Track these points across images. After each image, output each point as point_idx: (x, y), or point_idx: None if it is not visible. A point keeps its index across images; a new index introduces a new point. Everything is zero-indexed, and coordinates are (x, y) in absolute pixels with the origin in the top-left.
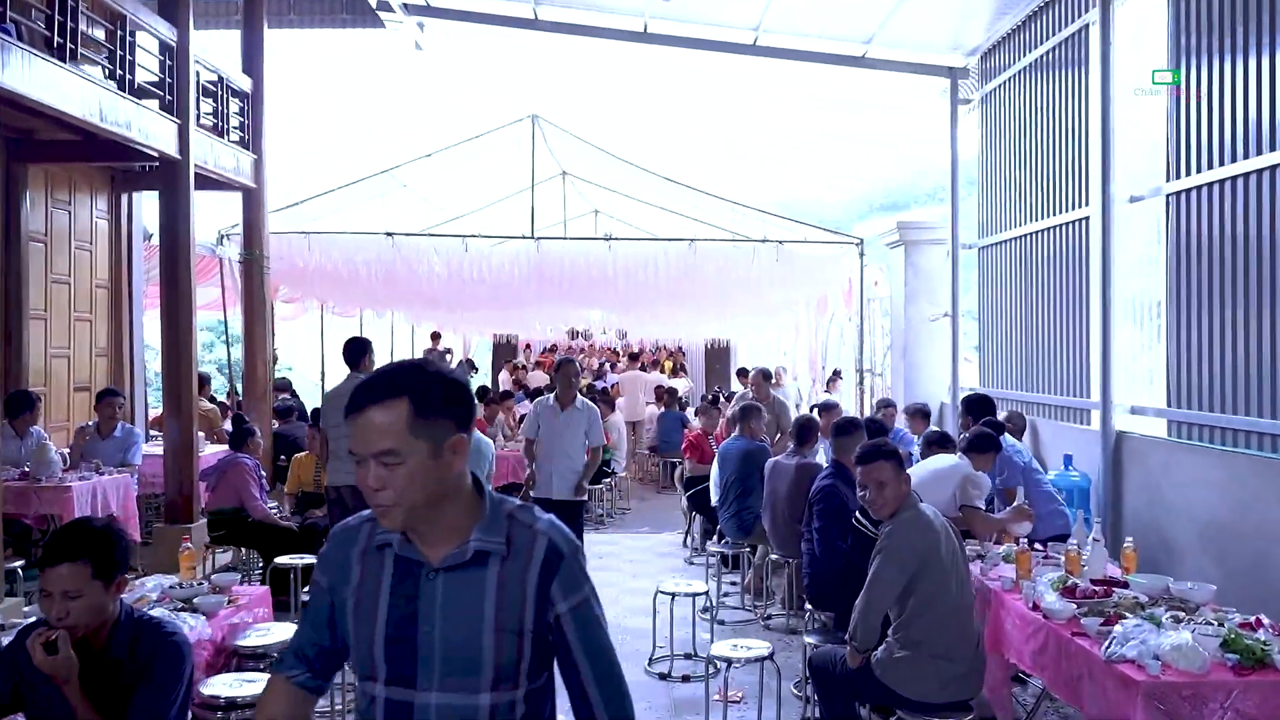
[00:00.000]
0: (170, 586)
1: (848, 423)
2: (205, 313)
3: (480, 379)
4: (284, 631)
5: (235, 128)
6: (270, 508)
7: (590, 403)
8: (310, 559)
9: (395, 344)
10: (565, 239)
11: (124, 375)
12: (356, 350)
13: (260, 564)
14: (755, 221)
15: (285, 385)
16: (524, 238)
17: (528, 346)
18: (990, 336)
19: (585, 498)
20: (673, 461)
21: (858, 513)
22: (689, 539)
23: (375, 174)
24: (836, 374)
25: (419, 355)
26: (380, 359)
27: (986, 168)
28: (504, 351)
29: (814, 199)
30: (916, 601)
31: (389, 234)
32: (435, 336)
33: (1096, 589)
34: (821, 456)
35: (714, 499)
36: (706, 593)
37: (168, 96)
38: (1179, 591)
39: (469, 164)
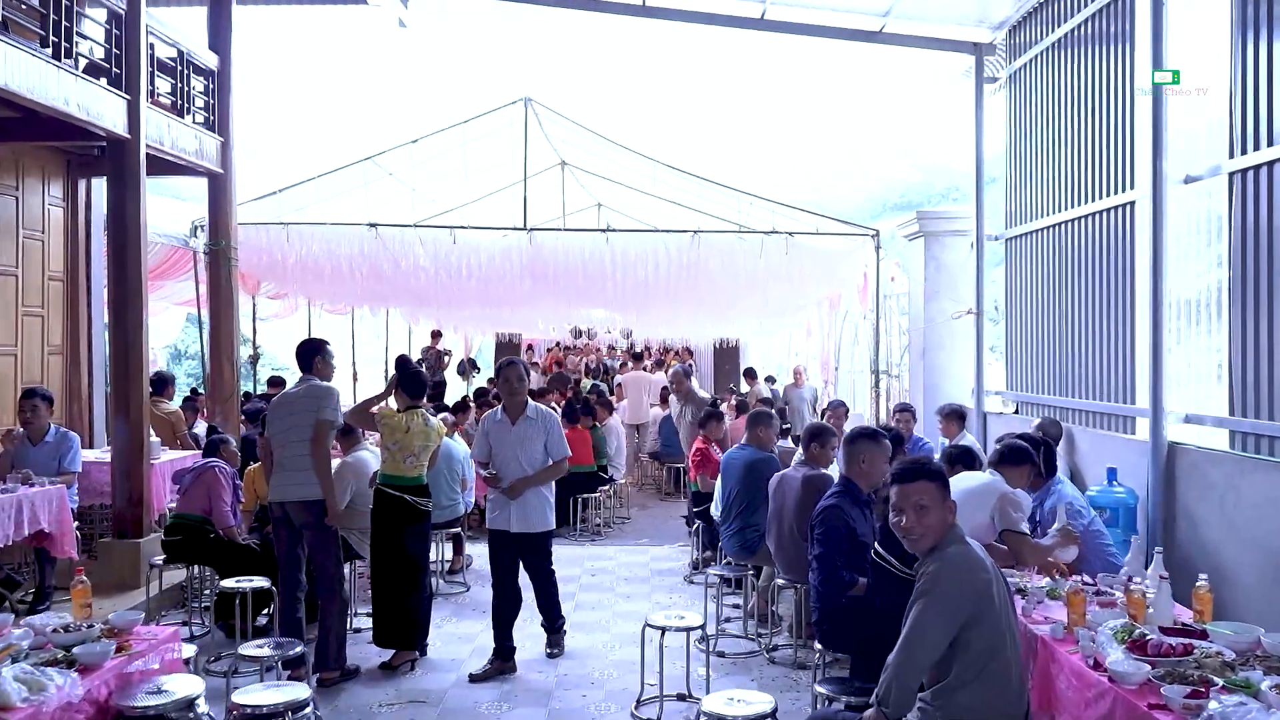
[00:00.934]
0: (55, 630)
1: (864, 432)
2: (184, 309)
3: (481, 380)
4: (187, 685)
5: (200, 109)
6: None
7: (546, 409)
8: (263, 582)
9: (391, 342)
10: (561, 230)
11: (80, 375)
12: (308, 352)
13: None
14: (764, 213)
15: (280, 382)
16: (516, 229)
17: (529, 347)
18: (1018, 335)
19: (553, 526)
20: (676, 467)
21: (878, 544)
22: (695, 554)
23: (357, 161)
24: (769, 379)
25: (416, 355)
26: (376, 358)
27: (1014, 152)
28: (507, 352)
29: (830, 196)
30: (966, 661)
31: (372, 225)
32: (435, 335)
33: (1171, 643)
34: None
35: (715, 512)
36: (702, 626)
37: (115, 70)
38: (1274, 646)
39: (458, 151)
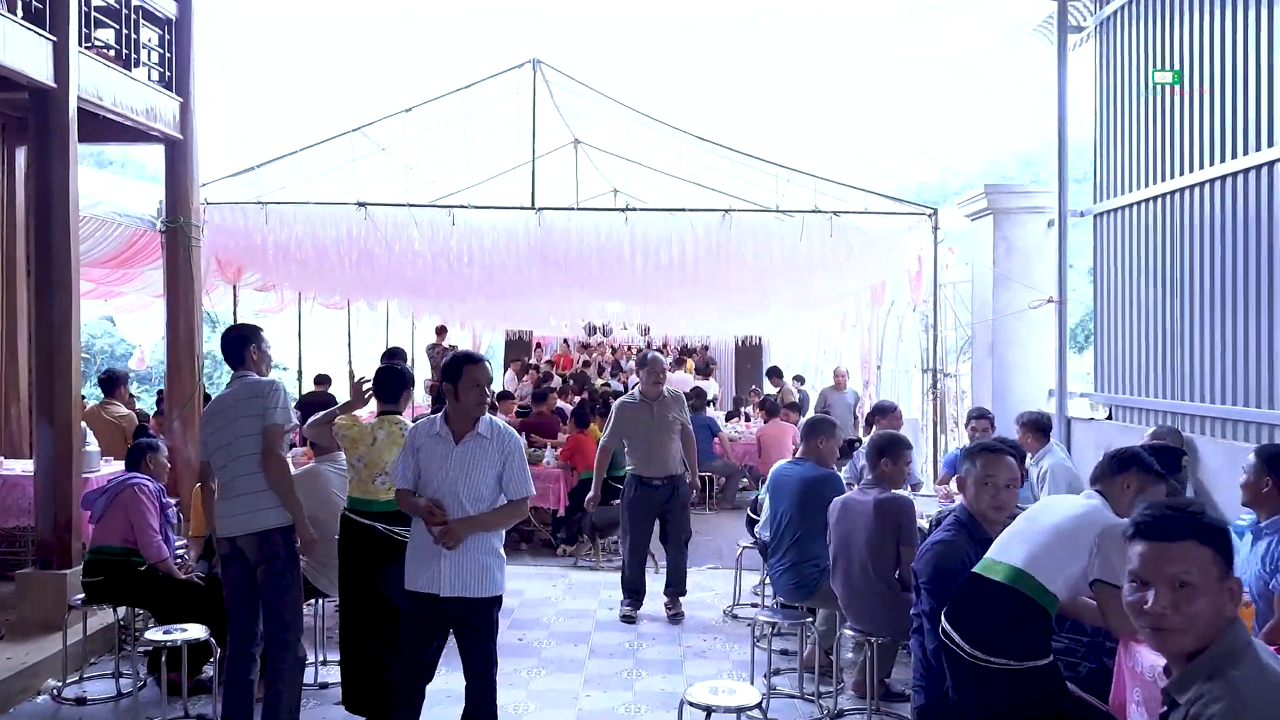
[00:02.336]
0: None
1: (988, 446)
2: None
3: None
4: None
5: (154, 64)
6: (179, 549)
7: (506, 427)
8: (200, 632)
9: (392, 340)
10: (572, 209)
11: (16, 366)
12: (237, 341)
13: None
14: (803, 191)
15: (325, 380)
16: (523, 209)
17: (538, 346)
18: (1113, 326)
19: (503, 590)
20: (701, 475)
21: (946, 616)
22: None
23: (345, 132)
24: (797, 379)
25: (420, 352)
26: (367, 356)
27: (1106, 112)
28: (517, 350)
29: (880, 179)
30: None
31: (361, 205)
32: (440, 332)
33: None
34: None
35: (758, 532)
36: (759, 705)
37: (36, 3)
38: None
39: (458, 124)
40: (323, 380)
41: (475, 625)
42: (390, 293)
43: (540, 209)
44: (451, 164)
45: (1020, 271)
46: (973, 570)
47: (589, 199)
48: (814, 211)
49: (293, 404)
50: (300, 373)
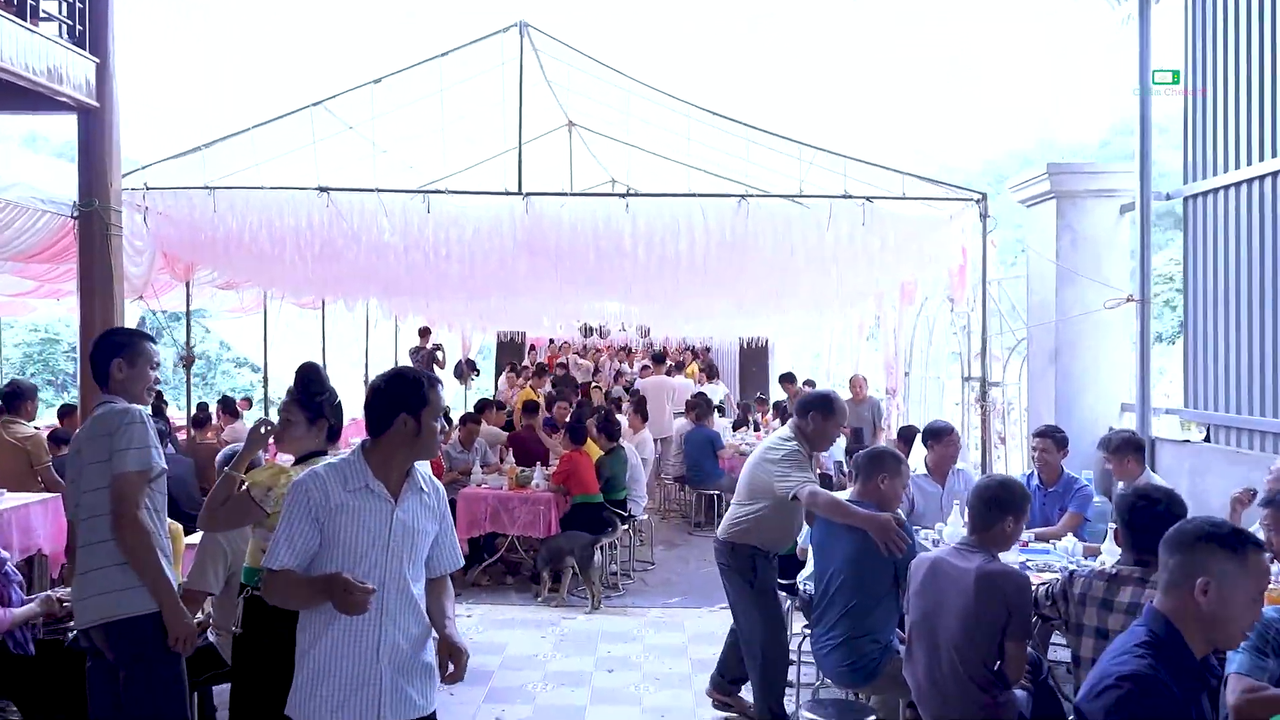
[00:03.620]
0: None
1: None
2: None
3: (481, 385)
4: None
5: (63, 18)
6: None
7: (436, 482)
8: None
9: (374, 344)
10: (565, 195)
11: None
12: (104, 352)
13: None
14: (830, 176)
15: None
16: (508, 194)
17: (532, 348)
18: (1210, 331)
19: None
20: (706, 494)
21: None
22: None
23: (304, 107)
24: (808, 384)
25: (404, 356)
26: (350, 363)
27: (1200, 80)
28: (509, 352)
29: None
30: None
31: (323, 190)
32: (424, 333)
33: None
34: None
35: (802, 583)
36: None
37: None
38: None
39: (434, 98)
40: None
41: None
42: (358, 289)
43: (528, 194)
44: (428, 146)
45: (1089, 264)
46: None
47: (585, 190)
48: (843, 197)
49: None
50: (266, 380)
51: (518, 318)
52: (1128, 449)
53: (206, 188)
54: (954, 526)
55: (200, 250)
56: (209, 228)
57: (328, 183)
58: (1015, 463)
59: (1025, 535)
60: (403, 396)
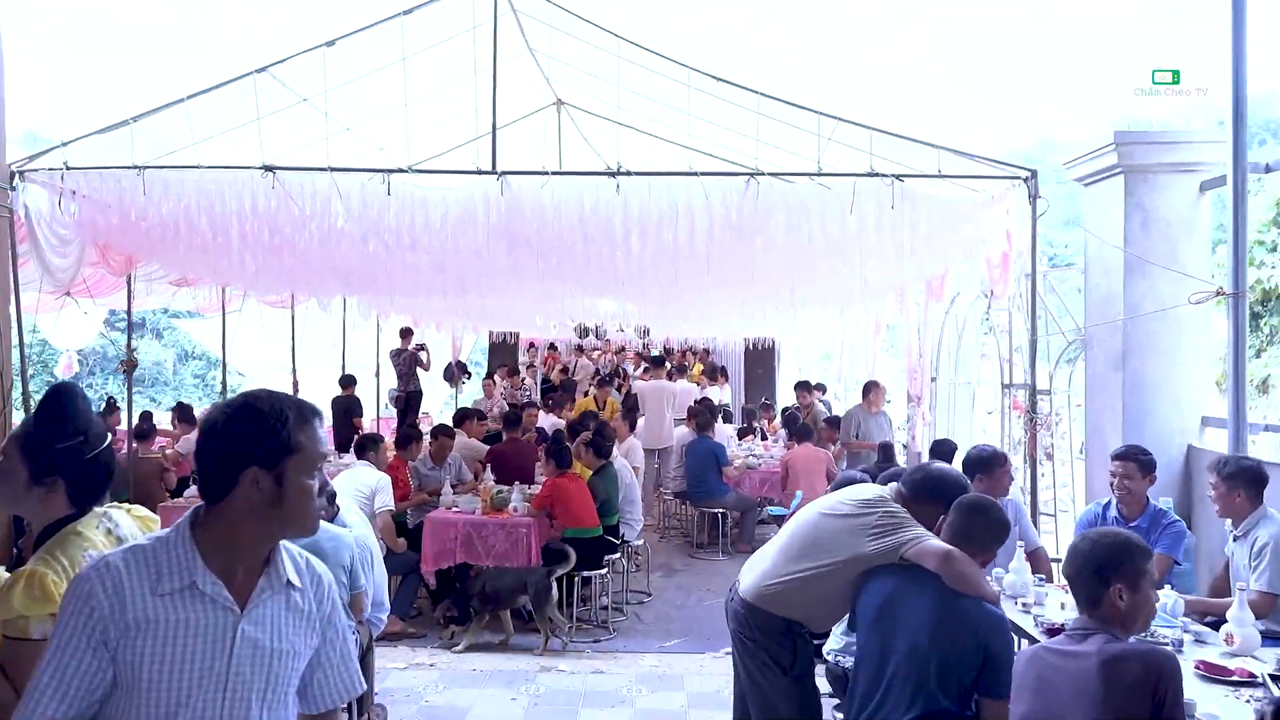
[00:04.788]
0: None
1: None
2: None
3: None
4: None
5: None
6: None
7: (319, 569)
8: None
9: (352, 346)
10: (546, 174)
11: None
12: None
13: None
14: (854, 154)
15: (350, 382)
16: (481, 173)
17: (530, 346)
18: None
19: None
20: (711, 512)
21: None
22: None
23: (246, 74)
24: (817, 388)
25: (384, 356)
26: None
27: None
28: (501, 354)
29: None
30: None
31: (268, 169)
32: (405, 334)
33: None
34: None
35: (831, 656)
36: None
37: None
38: None
39: (395, 69)
40: (349, 383)
41: None
42: (317, 284)
43: (503, 174)
44: (395, 124)
45: (1164, 251)
46: None
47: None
48: (869, 175)
49: None
50: (224, 389)
51: (509, 317)
52: (1243, 480)
53: (135, 167)
54: (1017, 575)
55: (131, 239)
56: (140, 213)
57: (272, 159)
58: (1064, 483)
59: None
60: (251, 440)
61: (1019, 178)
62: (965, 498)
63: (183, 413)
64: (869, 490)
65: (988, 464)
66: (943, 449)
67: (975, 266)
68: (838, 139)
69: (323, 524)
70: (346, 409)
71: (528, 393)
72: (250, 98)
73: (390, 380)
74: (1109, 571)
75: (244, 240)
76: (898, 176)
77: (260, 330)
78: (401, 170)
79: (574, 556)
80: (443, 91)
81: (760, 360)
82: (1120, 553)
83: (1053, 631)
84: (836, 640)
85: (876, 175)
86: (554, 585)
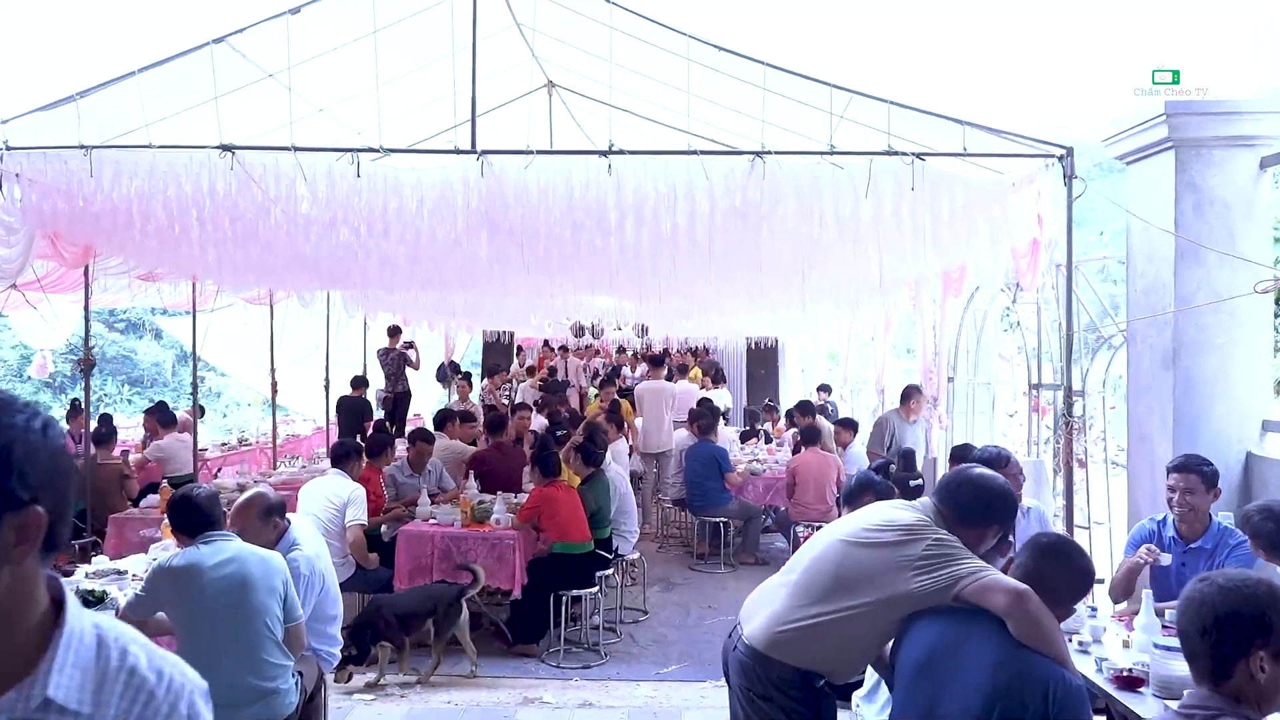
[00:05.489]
0: None
1: None
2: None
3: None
4: None
5: None
6: None
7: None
8: None
9: (337, 345)
10: (530, 153)
11: None
12: None
13: None
14: (869, 133)
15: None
16: (459, 152)
17: (520, 349)
18: None
19: None
20: (714, 521)
21: None
22: None
23: (203, 45)
24: (823, 389)
25: (372, 355)
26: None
27: None
28: (495, 353)
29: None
30: None
31: (226, 148)
32: (394, 333)
33: None
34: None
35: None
36: None
37: None
38: None
39: (366, 42)
40: (360, 384)
41: None
42: (281, 275)
43: (483, 153)
44: (369, 104)
45: (1221, 236)
46: None
47: None
48: (887, 153)
49: None
50: (195, 391)
51: (501, 316)
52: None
53: (82, 147)
54: None
55: (81, 227)
56: (88, 198)
57: (231, 138)
58: (1098, 492)
59: (1162, 612)
60: None
61: (1053, 155)
62: (1043, 536)
63: (161, 413)
64: (905, 512)
65: (992, 466)
66: (964, 454)
67: (999, 256)
68: (851, 116)
69: (251, 546)
70: (357, 411)
71: (509, 395)
72: (207, 73)
73: (378, 381)
74: (1253, 633)
75: (203, 228)
76: (918, 155)
77: (243, 328)
78: (372, 150)
79: (482, 576)
80: (421, 71)
81: (763, 360)
82: (1270, 610)
83: (1122, 681)
84: (863, 693)
85: (895, 154)
86: (464, 606)
